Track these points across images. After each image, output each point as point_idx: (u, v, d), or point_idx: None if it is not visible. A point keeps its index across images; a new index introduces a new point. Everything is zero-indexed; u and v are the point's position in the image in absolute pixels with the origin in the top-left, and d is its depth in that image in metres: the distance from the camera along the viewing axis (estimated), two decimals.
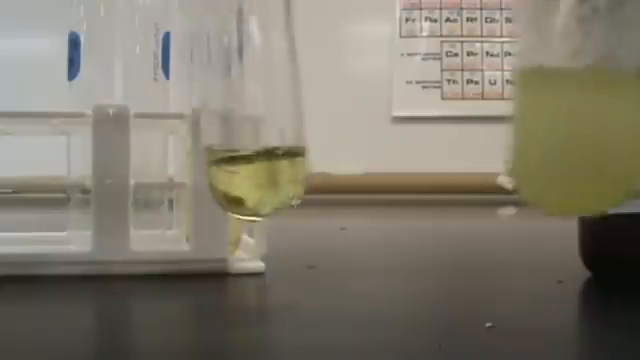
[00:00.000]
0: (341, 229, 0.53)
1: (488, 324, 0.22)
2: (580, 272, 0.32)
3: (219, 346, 0.21)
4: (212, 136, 0.27)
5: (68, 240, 0.36)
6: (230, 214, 0.29)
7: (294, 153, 0.27)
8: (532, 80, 0.25)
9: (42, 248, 0.34)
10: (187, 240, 0.34)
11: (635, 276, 0.30)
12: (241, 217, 0.29)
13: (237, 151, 0.27)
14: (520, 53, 0.25)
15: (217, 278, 0.32)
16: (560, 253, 0.37)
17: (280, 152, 0.27)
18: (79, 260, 0.32)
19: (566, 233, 0.34)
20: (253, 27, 0.27)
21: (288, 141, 0.27)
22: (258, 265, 0.33)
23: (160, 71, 0.36)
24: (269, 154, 0.27)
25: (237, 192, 0.27)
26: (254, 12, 0.27)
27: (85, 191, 0.33)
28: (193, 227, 0.33)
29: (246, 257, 0.34)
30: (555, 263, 0.37)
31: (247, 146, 0.27)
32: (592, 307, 0.28)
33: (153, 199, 0.36)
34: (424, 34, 1.67)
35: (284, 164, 0.27)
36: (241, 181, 0.27)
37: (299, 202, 0.28)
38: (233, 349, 0.21)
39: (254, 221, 0.31)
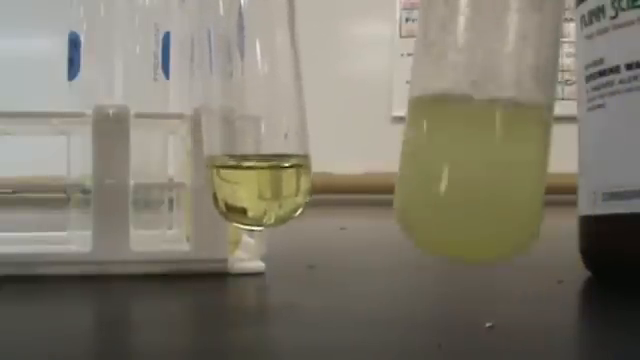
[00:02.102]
0: (341, 229, 0.53)
1: (488, 324, 0.22)
2: (580, 272, 0.32)
3: (219, 346, 0.21)
4: (214, 144, 0.27)
5: (68, 240, 0.36)
6: (232, 224, 0.29)
7: (298, 162, 0.27)
8: (421, 109, 0.23)
9: (42, 248, 0.34)
10: (187, 240, 0.34)
11: (635, 276, 0.30)
12: (244, 227, 0.29)
13: (240, 160, 0.27)
14: (411, 83, 0.23)
15: (217, 278, 0.32)
16: (560, 253, 0.37)
17: (285, 163, 0.27)
18: (79, 260, 0.32)
19: (566, 233, 0.34)
20: (254, 27, 0.27)
21: (292, 148, 0.27)
22: (258, 265, 0.33)
23: (160, 71, 0.36)
24: (273, 164, 0.27)
25: (239, 202, 0.27)
26: (255, 12, 0.27)
27: (85, 191, 0.33)
28: (193, 227, 0.33)
29: (246, 257, 0.34)
30: (555, 263, 0.37)
31: (250, 154, 0.27)
32: (592, 307, 0.28)
33: (153, 199, 0.36)
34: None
35: (288, 174, 0.27)
36: (244, 191, 0.27)
37: (302, 212, 0.27)
38: (233, 349, 0.21)
39: (256, 230, 0.31)
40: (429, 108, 0.23)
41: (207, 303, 0.28)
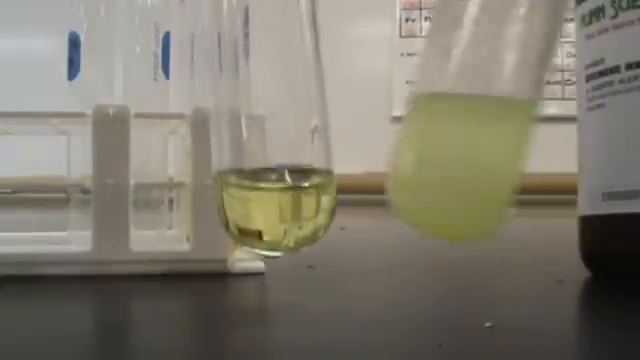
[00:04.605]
0: (341, 229, 0.53)
1: (488, 324, 0.22)
2: (580, 272, 0.32)
3: (219, 346, 0.21)
4: (224, 156, 0.25)
5: (68, 240, 0.36)
6: (247, 248, 0.26)
7: (321, 181, 0.24)
8: (419, 104, 0.25)
9: (42, 248, 0.34)
10: (187, 240, 0.34)
11: (635, 276, 0.30)
12: (259, 252, 0.26)
13: (255, 178, 0.24)
14: (416, 78, 0.25)
15: (217, 278, 0.32)
16: (560, 253, 0.37)
17: (305, 183, 0.24)
18: (79, 260, 0.32)
19: (566, 233, 0.34)
20: (267, 27, 0.25)
21: (314, 160, 0.24)
22: (258, 265, 0.33)
23: (160, 71, 0.36)
24: (293, 184, 0.24)
25: (254, 225, 0.25)
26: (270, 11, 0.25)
27: (85, 191, 0.33)
28: (193, 227, 0.33)
29: (246, 257, 0.34)
30: (555, 263, 0.37)
31: (266, 169, 0.24)
32: (592, 307, 0.28)
33: (153, 199, 0.36)
34: (424, 34, 1.67)
35: (310, 192, 0.24)
36: (259, 211, 0.24)
37: (325, 234, 0.25)
38: (233, 349, 0.21)
39: (274, 257, 0.27)
40: (423, 104, 0.25)
41: (207, 303, 0.28)
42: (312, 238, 0.25)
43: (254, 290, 0.31)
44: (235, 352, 0.20)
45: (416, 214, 0.25)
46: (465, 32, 0.24)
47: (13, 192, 0.36)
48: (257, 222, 0.25)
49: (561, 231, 0.36)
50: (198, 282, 0.31)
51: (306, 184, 0.24)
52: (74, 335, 0.22)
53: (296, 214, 0.24)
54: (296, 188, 0.24)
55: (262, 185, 0.24)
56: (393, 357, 0.19)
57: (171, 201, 0.38)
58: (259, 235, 0.25)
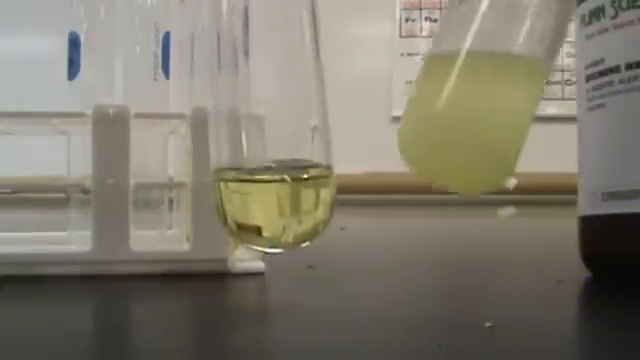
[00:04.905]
0: (341, 229, 0.53)
1: (488, 324, 0.22)
2: (580, 272, 0.32)
3: (219, 346, 0.21)
4: (222, 154, 0.25)
5: (68, 240, 0.36)
6: (245, 245, 0.26)
7: (321, 173, 0.24)
8: (432, 62, 0.27)
9: (42, 248, 0.34)
10: (187, 240, 0.34)
11: (636, 276, 0.30)
12: (257, 249, 0.26)
13: (253, 171, 0.24)
14: (432, 41, 0.27)
15: (217, 278, 0.32)
16: (560, 253, 0.37)
17: (304, 174, 0.24)
18: (79, 260, 0.32)
19: (566, 233, 0.34)
20: (268, 26, 0.25)
21: (313, 157, 0.24)
22: (258, 265, 0.33)
23: (160, 71, 0.36)
24: (292, 175, 0.24)
25: (253, 220, 0.24)
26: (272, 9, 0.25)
27: (85, 191, 0.33)
28: (193, 227, 0.33)
29: (246, 257, 0.34)
30: (555, 263, 0.37)
31: (264, 163, 0.24)
32: (592, 307, 0.28)
33: (153, 199, 0.36)
34: (424, 34, 1.67)
35: (309, 185, 0.24)
36: (257, 204, 0.24)
37: (324, 230, 0.25)
38: (233, 349, 0.21)
39: (272, 253, 0.27)
40: (439, 61, 0.26)
41: (207, 303, 0.28)
42: (312, 234, 0.25)
43: (254, 290, 0.31)
44: (235, 352, 0.20)
45: (425, 163, 0.26)
46: None
47: (13, 192, 0.36)
48: (256, 216, 0.24)
49: (561, 231, 0.36)
50: (198, 282, 0.31)
51: (305, 176, 0.24)
52: (74, 335, 0.22)
53: (295, 207, 0.24)
54: (295, 180, 0.24)
55: (260, 177, 0.24)
56: (393, 357, 0.19)
57: (171, 201, 0.38)
58: (258, 231, 0.24)
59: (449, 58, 0.25)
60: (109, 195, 0.32)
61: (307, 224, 0.24)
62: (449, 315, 0.26)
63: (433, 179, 0.26)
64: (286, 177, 0.24)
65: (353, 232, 0.55)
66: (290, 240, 0.24)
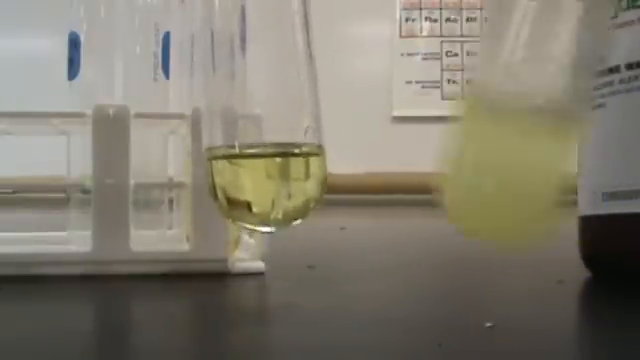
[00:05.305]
0: (341, 229, 0.53)
1: (488, 324, 0.22)
2: (580, 272, 0.32)
3: (219, 346, 0.21)
4: (214, 136, 0.25)
5: (68, 240, 0.36)
6: (235, 223, 0.26)
7: (310, 150, 0.25)
8: (475, 109, 0.25)
9: (42, 248, 0.34)
10: (187, 240, 0.34)
11: (636, 276, 0.30)
12: (248, 226, 0.26)
13: (244, 147, 0.24)
14: (472, 83, 0.26)
15: (217, 278, 0.32)
16: (560, 253, 0.37)
17: (295, 149, 0.24)
18: (79, 260, 0.32)
19: (566, 233, 0.34)
20: (262, 23, 0.25)
21: (304, 137, 0.25)
22: (258, 265, 0.33)
23: (160, 71, 0.36)
24: (281, 150, 0.24)
25: (242, 194, 0.25)
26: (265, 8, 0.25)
27: (85, 191, 0.33)
28: (193, 227, 0.33)
29: (246, 257, 0.34)
30: (555, 263, 0.37)
31: (255, 143, 0.24)
32: (592, 307, 0.28)
33: (153, 199, 0.36)
34: (424, 34, 1.67)
35: (298, 161, 0.24)
36: (247, 176, 0.24)
37: (317, 208, 0.25)
38: (233, 349, 0.21)
39: (262, 232, 0.27)
40: (473, 105, 0.25)
41: (207, 303, 0.28)
42: (302, 211, 0.25)
43: (254, 290, 0.31)
44: (235, 352, 0.20)
45: (471, 219, 0.25)
46: (520, 27, 0.24)
47: (13, 192, 0.36)
48: (246, 191, 0.25)
49: (561, 231, 0.36)
50: (198, 282, 0.31)
51: (295, 151, 0.25)
52: (74, 335, 0.22)
53: (284, 180, 0.24)
54: (284, 155, 0.24)
55: (250, 152, 0.25)
56: (393, 357, 0.19)
57: (171, 201, 0.38)
58: (248, 207, 0.24)
59: (487, 104, 0.25)
60: (109, 195, 0.32)
61: (297, 199, 0.25)
62: (449, 315, 0.26)
63: (483, 236, 0.26)
64: (275, 150, 0.24)
65: (353, 232, 0.55)
66: (280, 216, 0.25)
